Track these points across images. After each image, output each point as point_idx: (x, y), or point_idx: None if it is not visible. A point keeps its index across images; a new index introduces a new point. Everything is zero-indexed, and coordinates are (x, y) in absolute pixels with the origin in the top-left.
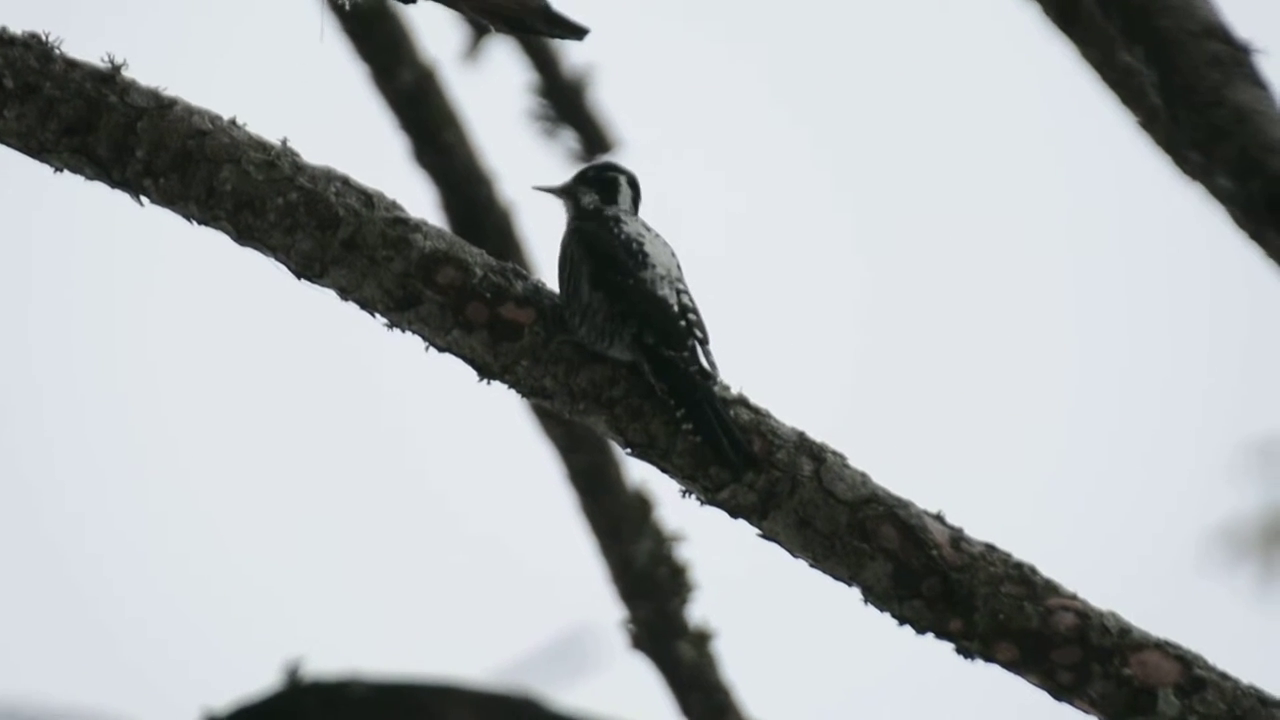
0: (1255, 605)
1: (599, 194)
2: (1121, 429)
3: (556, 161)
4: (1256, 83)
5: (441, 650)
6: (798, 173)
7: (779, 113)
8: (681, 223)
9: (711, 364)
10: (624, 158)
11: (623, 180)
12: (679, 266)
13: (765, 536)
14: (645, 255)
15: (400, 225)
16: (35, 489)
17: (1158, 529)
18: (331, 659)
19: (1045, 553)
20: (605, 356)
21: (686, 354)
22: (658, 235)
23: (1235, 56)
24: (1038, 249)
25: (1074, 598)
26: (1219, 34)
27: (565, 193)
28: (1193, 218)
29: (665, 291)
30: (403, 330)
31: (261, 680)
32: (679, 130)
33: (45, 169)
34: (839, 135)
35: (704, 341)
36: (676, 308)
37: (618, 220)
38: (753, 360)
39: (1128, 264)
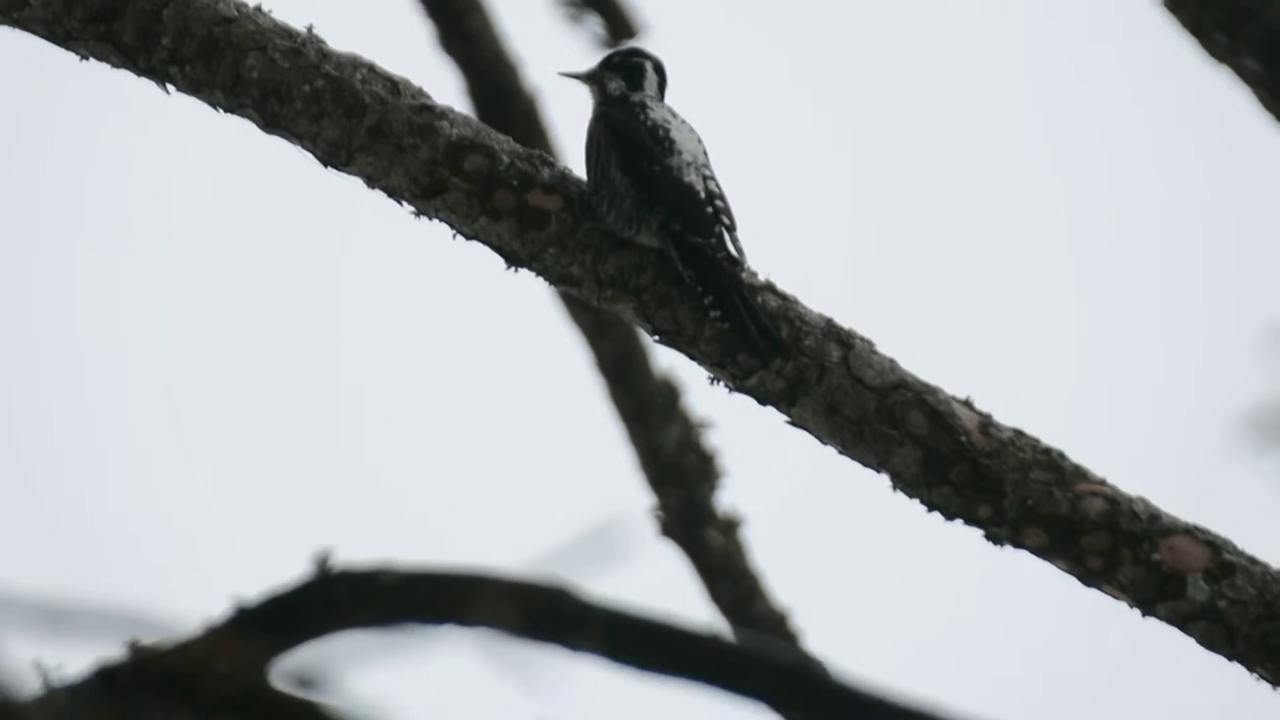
0: None
1: (625, 80)
2: (1146, 314)
3: (581, 47)
4: None
5: (472, 540)
6: (816, 66)
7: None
8: (708, 105)
9: (739, 250)
10: (648, 43)
11: (648, 66)
12: (706, 153)
13: (793, 423)
14: (672, 142)
15: (426, 112)
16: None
17: (1183, 414)
18: (361, 551)
19: (1070, 439)
20: (633, 243)
21: (714, 240)
22: (684, 121)
23: None
24: (1059, 134)
25: (1103, 483)
26: None
27: (591, 79)
28: (1220, 100)
29: (692, 178)
30: (430, 218)
31: (292, 571)
32: (705, 13)
33: (70, 58)
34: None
35: (731, 228)
36: (703, 194)
37: (644, 106)
38: (778, 246)
39: (1152, 147)
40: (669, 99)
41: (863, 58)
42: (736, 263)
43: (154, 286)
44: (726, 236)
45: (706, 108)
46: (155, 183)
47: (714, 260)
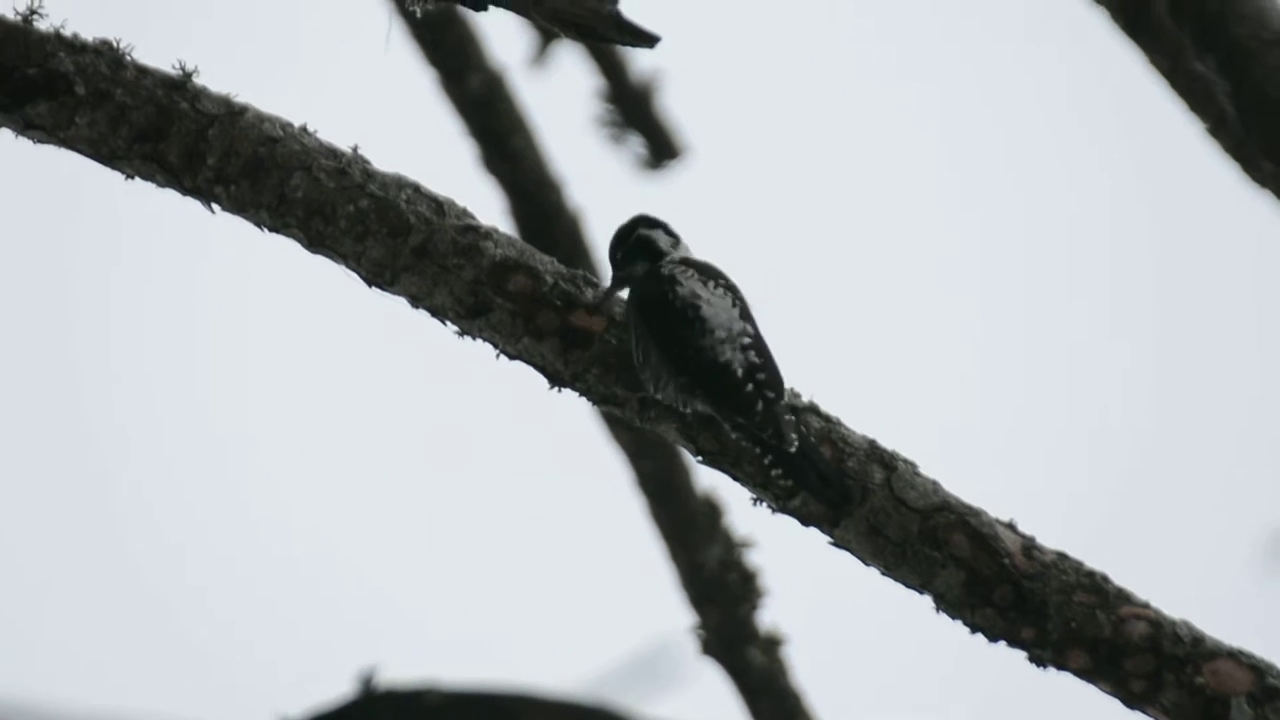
0: None
1: (643, 258)
2: (1180, 435)
3: (623, 167)
4: None
5: (516, 660)
6: (856, 170)
7: (843, 112)
8: (744, 232)
9: (784, 422)
10: (691, 163)
11: (656, 234)
12: (743, 314)
13: (836, 544)
14: (703, 321)
15: (471, 233)
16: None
17: (1218, 534)
18: (407, 669)
19: (1108, 559)
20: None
21: (758, 418)
22: (717, 285)
23: None
24: (1102, 252)
25: (1146, 606)
26: None
27: (618, 283)
28: (1262, 223)
29: (728, 356)
30: (473, 338)
31: (337, 688)
32: (746, 135)
33: (117, 176)
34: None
35: (775, 399)
36: (741, 371)
37: (674, 281)
38: (823, 365)
39: (1192, 269)
40: (699, 245)
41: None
42: (782, 438)
43: (211, 407)
44: (770, 409)
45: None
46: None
47: (758, 438)
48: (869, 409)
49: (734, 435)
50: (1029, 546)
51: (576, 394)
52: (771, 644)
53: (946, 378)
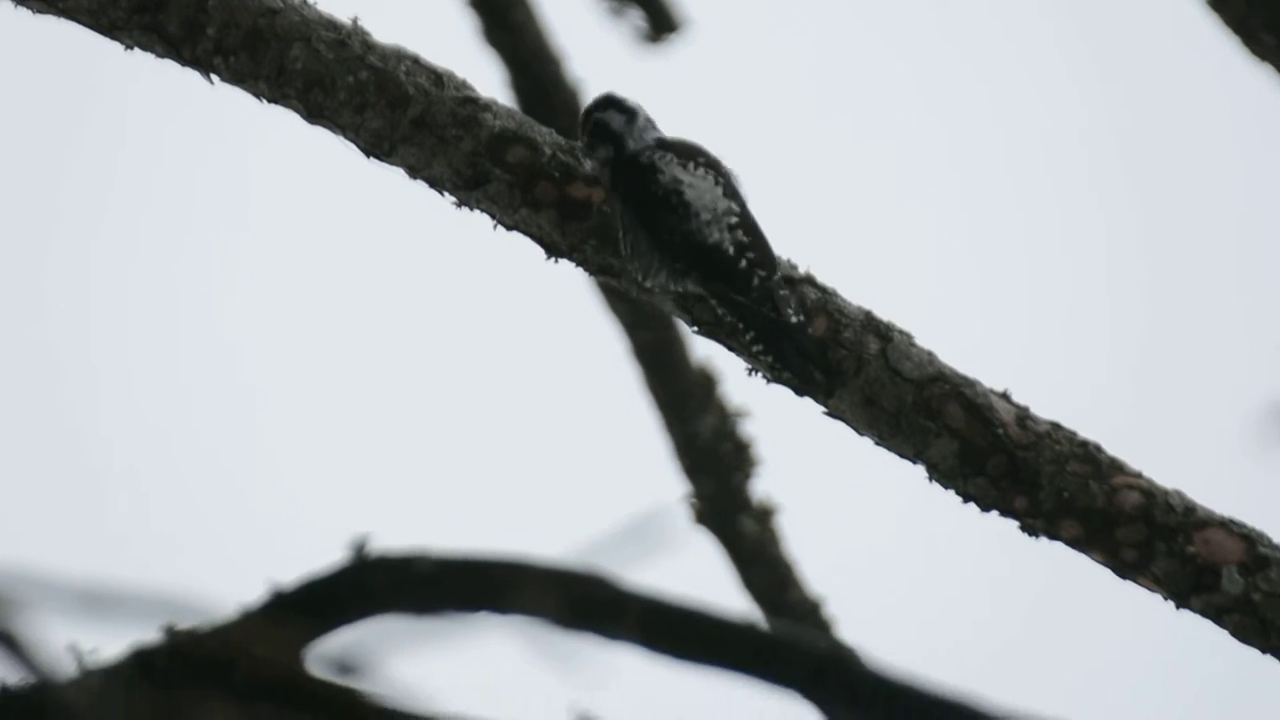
0: None
1: (604, 141)
2: (1173, 308)
3: (623, 40)
4: None
5: (509, 528)
6: (861, 44)
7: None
8: (742, 106)
9: (779, 297)
10: (690, 37)
11: (609, 115)
12: (727, 191)
13: (831, 414)
14: (687, 205)
15: (470, 104)
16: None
17: (1217, 407)
18: (399, 538)
19: (1104, 433)
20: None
21: (754, 294)
22: (698, 166)
23: None
24: (1098, 128)
25: (1139, 476)
26: None
27: (592, 161)
28: (1262, 98)
29: (718, 236)
30: (471, 209)
31: (329, 558)
32: (745, 7)
33: (116, 48)
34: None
35: (769, 275)
36: (733, 250)
37: (654, 169)
38: (820, 231)
39: (1188, 142)
40: (696, 121)
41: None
42: (779, 312)
43: (202, 278)
44: (765, 283)
45: (745, 97)
46: (191, 174)
47: (757, 313)
48: (866, 281)
49: (720, 312)
50: (1023, 417)
51: (574, 264)
52: (764, 514)
53: (943, 251)
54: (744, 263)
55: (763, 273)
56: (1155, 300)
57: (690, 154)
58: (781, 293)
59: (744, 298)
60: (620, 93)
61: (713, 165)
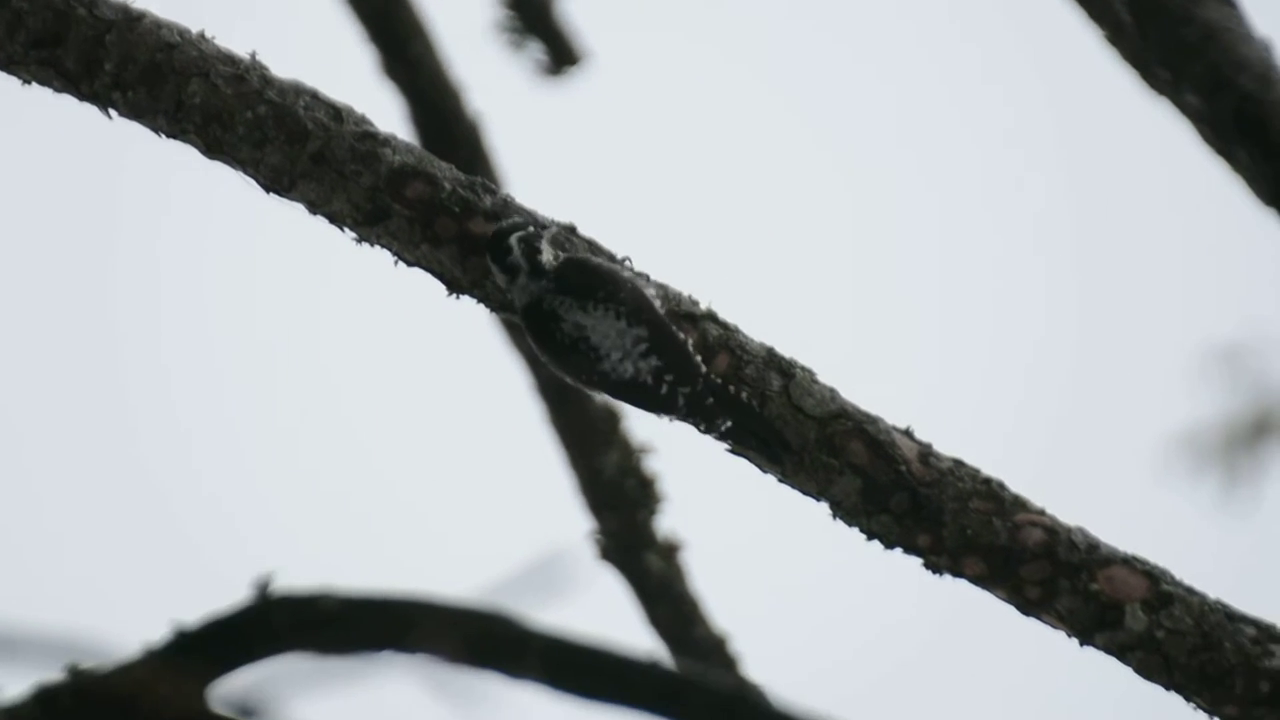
0: (1218, 516)
1: (506, 272)
2: (1083, 339)
3: (523, 74)
4: (1225, 0)
5: (412, 567)
6: (768, 77)
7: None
8: (644, 138)
9: (706, 409)
10: (591, 70)
11: (510, 245)
12: (630, 316)
13: (735, 452)
14: (595, 350)
15: (369, 139)
16: None
17: (1118, 438)
18: (301, 577)
19: (1007, 468)
20: None
21: (682, 412)
22: (596, 304)
23: None
24: (1002, 159)
25: (1042, 513)
26: None
27: (514, 287)
28: (1159, 132)
29: (632, 370)
30: (372, 244)
31: (232, 597)
32: (648, 40)
33: (13, 82)
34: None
35: (695, 386)
36: (651, 379)
37: (556, 318)
38: (723, 269)
39: (1091, 175)
40: (599, 154)
41: (826, 60)
42: (708, 421)
43: (120, 294)
44: (691, 399)
45: (659, 119)
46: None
47: (699, 409)
48: (770, 316)
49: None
50: (925, 453)
51: (475, 300)
52: (669, 550)
53: (845, 283)
54: (664, 388)
55: (685, 389)
56: (1060, 332)
57: (586, 291)
58: (708, 402)
59: (673, 415)
60: (512, 217)
61: (610, 296)
